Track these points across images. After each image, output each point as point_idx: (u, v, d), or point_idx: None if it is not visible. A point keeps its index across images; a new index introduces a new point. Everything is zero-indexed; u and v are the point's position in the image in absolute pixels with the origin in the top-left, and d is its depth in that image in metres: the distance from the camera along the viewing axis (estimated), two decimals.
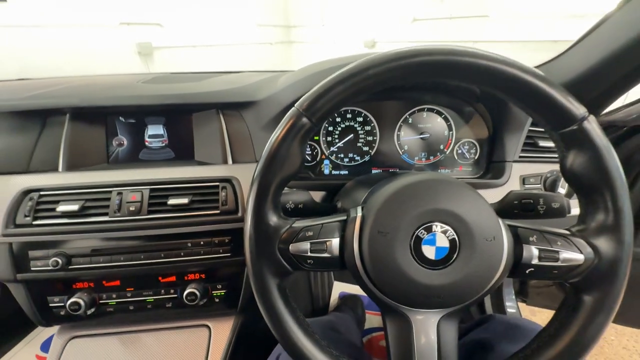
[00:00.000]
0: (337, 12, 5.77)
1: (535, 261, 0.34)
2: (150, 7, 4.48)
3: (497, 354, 0.47)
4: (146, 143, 0.64)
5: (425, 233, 0.34)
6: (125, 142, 0.64)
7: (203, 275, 0.60)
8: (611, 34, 0.54)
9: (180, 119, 0.64)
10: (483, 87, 0.37)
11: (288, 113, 0.36)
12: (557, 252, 0.34)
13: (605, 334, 1.34)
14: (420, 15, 4.77)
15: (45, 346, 1.10)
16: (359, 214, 0.37)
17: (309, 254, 0.36)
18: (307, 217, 0.39)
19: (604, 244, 0.34)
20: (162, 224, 0.56)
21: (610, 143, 0.81)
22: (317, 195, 0.61)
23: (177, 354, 0.60)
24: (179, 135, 0.65)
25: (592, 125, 0.33)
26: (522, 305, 1.20)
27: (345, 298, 1.28)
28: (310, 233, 0.36)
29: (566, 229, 0.36)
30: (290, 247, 0.36)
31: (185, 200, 0.56)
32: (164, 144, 0.65)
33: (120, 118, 0.64)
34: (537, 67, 0.69)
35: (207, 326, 0.63)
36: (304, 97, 0.35)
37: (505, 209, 0.46)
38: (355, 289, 1.32)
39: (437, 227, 0.34)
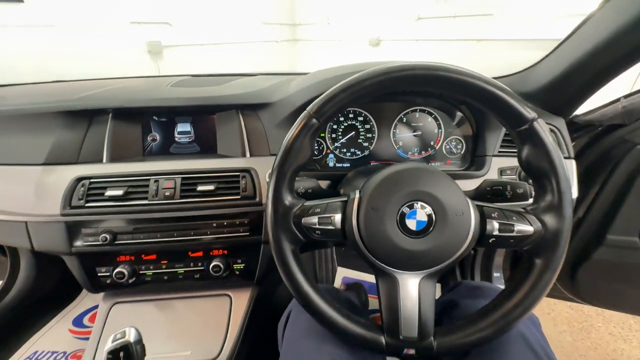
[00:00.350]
0: (343, 11, 5.83)
1: (496, 232, 0.44)
2: (159, 7, 4.59)
3: (461, 310, 0.56)
4: (176, 139, 0.75)
5: (408, 209, 0.43)
6: (158, 138, 0.74)
7: (225, 252, 0.70)
8: (577, 44, 0.63)
9: (205, 118, 0.74)
10: (456, 95, 0.46)
11: (301, 115, 0.45)
12: (513, 225, 0.43)
13: (592, 320, 1.43)
14: (425, 14, 4.82)
15: (78, 321, 1.22)
16: (357, 195, 0.47)
17: (317, 226, 0.46)
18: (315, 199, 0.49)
19: (550, 219, 0.43)
20: (192, 207, 0.66)
21: (589, 140, 0.91)
22: (323, 184, 0.71)
23: (203, 319, 0.71)
24: (204, 132, 0.75)
25: (541, 126, 0.42)
26: None
27: (348, 284, 1.38)
28: (318, 210, 0.46)
29: (522, 208, 0.46)
30: (302, 221, 0.46)
31: (211, 187, 0.66)
32: (191, 140, 0.75)
33: (154, 117, 0.74)
34: (517, 73, 0.78)
35: (229, 295, 0.73)
36: (313, 102, 0.45)
37: (480, 193, 0.55)
38: (358, 275, 1.42)
39: (418, 205, 0.43)
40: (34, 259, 1.24)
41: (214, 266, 0.67)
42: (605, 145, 0.84)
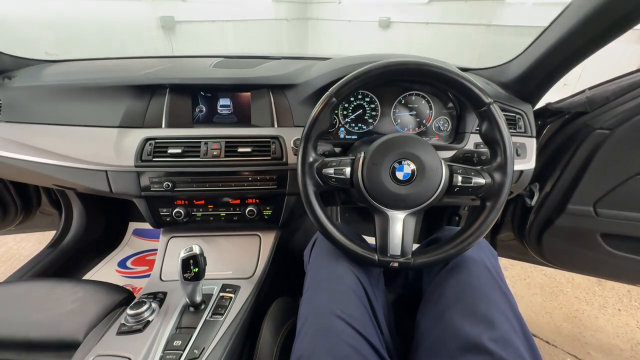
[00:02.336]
0: None
1: (459, 183, 0.62)
2: None
3: (440, 243, 0.76)
4: (218, 111, 0.93)
5: (398, 165, 0.62)
6: (204, 110, 0.93)
7: (258, 200, 0.90)
8: (542, 41, 0.79)
9: (242, 94, 0.92)
10: (437, 84, 0.64)
11: (324, 95, 0.63)
12: (472, 178, 0.62)
13: (562, 286, 1.65)
14: None
15: (122, 264, 1.46)
16: (362, 155, 0.66)
17: (333, 175, 0.65)
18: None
19: (497, 175, 0.62)
20: (233, 163, 0.85)
21: (561, 124, 1.11)
22: (336, 150, 0.90)
23: (239, 250, 0.92)
24: (241, 106, 0.93)
25: (495, 108, 0.60)
26: None
27: None
28: (334, 164, 0.65)
29: (479, 167, 0.64)
30: (322, 170, 0.65)
31: (248, 149, 0.85)
32: (230, 112, 0.93)
33: (201, 92, 0.92)
34: (498, 66, 0.94)
35: (258, 235, 0.94)
36: (334, 86, 0.63)
37: (455, 159, 0.74)
38: None
39: (405, 162, 0.62)
40: (85, 212, 1.47)
41: (249, 211, 0.88)
42: (571, 130, 1.00)
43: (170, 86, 0.89)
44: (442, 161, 0.64)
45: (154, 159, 0.83)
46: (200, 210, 0.90)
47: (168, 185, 0.84)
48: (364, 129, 0.95)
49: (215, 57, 1.09)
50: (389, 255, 0.64)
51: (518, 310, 0.59)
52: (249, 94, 0.92)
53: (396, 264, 0.64)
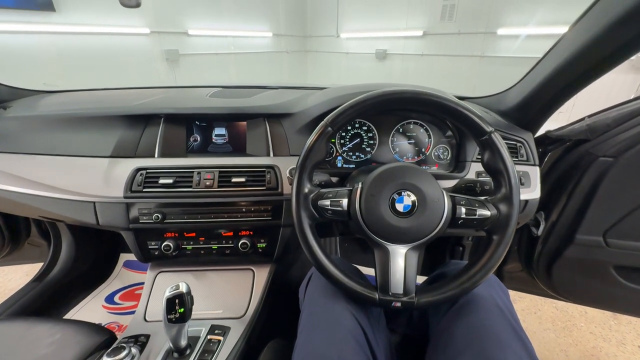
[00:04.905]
0: (351, 24, 6.08)
1: (463, 215, 0.59)
2: (176, 16, 4.85)
3: (445, 280, 0.71)
4: (213, 140, 0.91)
5: (398, 196, 0.59)
6: (199, 139, 0.91)
7: (251, 232, 0.86)
8: (541, 69, 0.79)
9: (237, 123, 0.91)
10: (436, 113, 0.62)
11: (320, 124, 0.61)
12: (476, 210, 0.59)
13: (576, 320, 1.56)
14: (430, 30, 5.04)
15: (110, 298, 1.38)
16: (360, 185, 0.63)
17: (329, 207, 0.61)
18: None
19: (503, 206, 0.58)
20: (226, 194, 0.82)
21: (562, 152, 1.09)
22: (333, 180, 0.87)
23: (231, 286, 0.86)
24: (236, 135, 0.91)
25: (497, 137, 0.58)
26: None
27: None
28: (330, 195, 0.62)
29: (483, 198, 0.61)
30: (318, 203, 0.62)
31: (243, 179, 0.82)
32: (225, 141, 0.91)
33: (196, 122, 0.91)
34: (497, 94, 0.94)
35: (252, 270, 0.89)
36: (329, 115, 0.61)
37: (457, 189, 0.71)
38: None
39: (405, 193, 0.59)
40: (74, 244, 1.41)
41: (242, 243, 0.83)
42: (574, 157, 0.98)
43: (164, 116, 0.88)
44: (444, 192, 0.61)
45: (144, 190, 0.81)
46: (191, 243, 0.85)
47: (158, 217, 0.80)
48: (362, 157, 0.93)
49: (212, 87, 1.09)
50: (390, 293, 0.60)
51: (535, 356, 0.53)
52: (244, 123, 0.91)
53: (399, 304, 0.59)
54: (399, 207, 0.59)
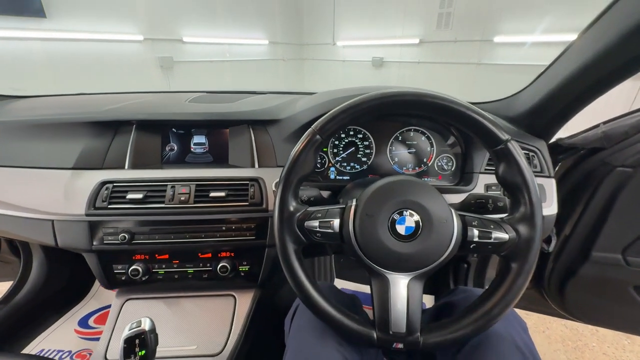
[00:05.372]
0: (348, 32, 6.07)
1: (476, 239, 0.50)
2: (171, 24, 4.81)
3: (455, 312, 0.61)
4: (191, 149, 0.82)
5: (398, 216, 0.50)
6: (175, 148, 0.82)
7: (232, 254, 0.76)
8: (555, 73, 0.71)
9: (219, 131, 0.82)
10: (441, 119, 0.54)
11: (307, 132, 0.52)
12: (491, 232, 0.49)
13: (587, 339, 1.45)
14: (427, 37, 5.03)
15: (84, 322, 1.26)
16: (354, 203, 0.54)
17: (318, 229, 0.52)
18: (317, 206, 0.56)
19: (523, 228, 0.49)
20: (204, 211, 0.72)
21: (573, 162, 0.98)
22: (324, 194, 0.78)
23: (209, 316, 0.76)
24: (217, 144, 0.82)
25: (514, 146, 0.49)
26: None
27: None
28: (319, 215, 0.53)
29: (499, 218, 0.52)
30: (305, 224, 0.52)
31: (222, 194, 0.72)
32: (205, 150, 0.82)
33: (173, 129, 0.82)
34: (504, 99, 0.86)
35: (233, 296, 0.79)
36: (317, 121, 0.52)
37: (465, 206, 0.62)
38: (355, 287, 1.46)
39: (407, 212, 0.50)
40: (46, 261, 1.30)
41: (221, 267, 0.73)
42: (588, 167, 0.90)
43: (137, 122, 0.79)
44: (452, 210, 0.51)
45: (109, 206, 0.71)
46: (163, 266, 0.75)
47: (125, 237, 0.70)
48: (357, 168, 0.84)
49: (194, 93, 1.00)
50: (391, 332, 0.50)
51: None
52: (226, 130, 0.82)
53: (401, 345, 0.50)
54: (400, 229, 0.50)
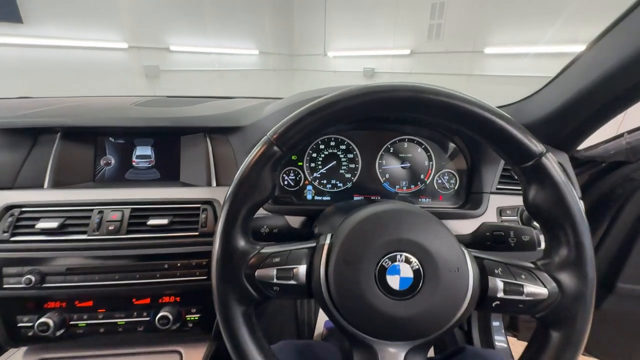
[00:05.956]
0: (339, 43, 6.03)
1: (500, 294, 0.34)
2: (158, 32, 4.70)
3: None
4: (133, 163, 0.66)
5: (390, 262, 0.34)
6: (113, 162, 0.66)
7: (178, 298, 0.59)
8: (580, 73, 0.58)
9: (168, 141, 0.66)
10: (447, 123, 0.39)
11: (260, 141, 0.37)
12: (522, 285, 0.34)
13: None
14: (418, 48, 5.00)
15: None
16: (327, 241, 0.38)
17: (275, 280, 0.36)
18: (282, 242, 0.40)
19: (567, 279, 0.34)
20: (139, 244, 0.56)
21: (591, 177, 0.82)
22: (297, 221, 0.62)
23: None
24: (166, 157, 0.66)
25: (550, 162, 0.34)
26: (512, 339, 1.16)
27: (331, 329, 1.24)
28: (278, 259, 0.37)
29: (531, 262, 0.37)
30: (256, 274, 0.36)
31: (164, 221, 0.56)
32: (150, 165, 0.66)
33: (110, 138, 0.65)
34: (513, 103, 0.72)
35: (179, 352, 0.61)
36: (275, 126, 0.37)
37: (478, 240, 0.47)
38: None
39: (401, 257, 0.34)
40: None
41: (162, 317, 0.56)
42: (610, 183, 0.77)
43: (62, 130, 0.63)
44: (466, 252, 0.36)
45: (13, 238, 0.54)
46: (85, 317, 0.57)
47: (31, 279, 0.53)
48: (340, 187, 0.68)
49: (150, 97, 0.85)
50: None
51: None
52: (178, 139, 0.66)
53: None
54: (393, 281, 0.34)
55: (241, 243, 0.37)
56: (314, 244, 0.39)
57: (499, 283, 0.34)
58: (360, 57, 5.80)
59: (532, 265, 0.36)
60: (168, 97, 0.89)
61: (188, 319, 0.59)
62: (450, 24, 4.58)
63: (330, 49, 6.22)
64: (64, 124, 0.62)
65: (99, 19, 4.01)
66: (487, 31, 4.24)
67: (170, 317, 0.56)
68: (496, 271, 0.35)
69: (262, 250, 0.38)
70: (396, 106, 0.36)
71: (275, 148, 0.37)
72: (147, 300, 0.58)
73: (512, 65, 4.10)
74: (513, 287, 0.34)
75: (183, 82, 5.19)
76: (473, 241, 0.47)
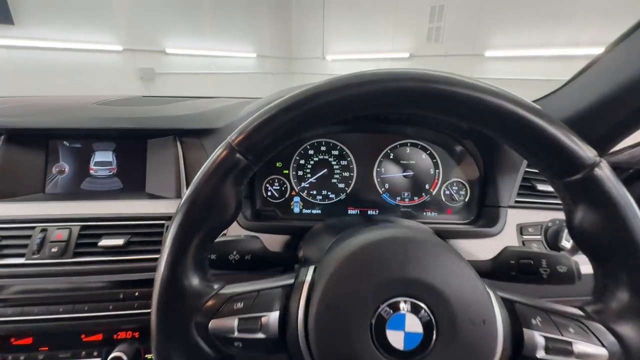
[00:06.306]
0: (337, 47, 5.98)
1: (541, 354, 0.25)
2: (153, 34, 4.64)
3: None
4: (91, 171, 0.56)
5: (391, 312, 0.25)
6: (67, 170, 0.56)
7: (136, 334, 0.49)
8: (614, 69, 0.49)
9: (133, 145, 0.57)
10: (466, 123, 0.30)
11: (220, 145, 0.28)
12: (571, 343, 0.25)
13: None
14: (417, 52, 4.94)
15: None
16: (308, 277, 0.29)
17: (237, 334, 0.26)
18: (256, 271, 0.31)
19: (631, 332, 0.25)
20: (89, 269, 0.46)
21: None
22: (278, 242, 0.52)
23: None
24: (130, 164, 0.57)
25: (606, 173, 0.25)
26: None
27: None
28: (241, 304, 0.27)
29: (579, 307, 0.27)
30: (210, 324, 0.27)
31: (119, 242, 0.47)
32: (111, 173, 0.57)
33: (64, 142, 0.56)
34: (541, 98, 0.63)
35: None
36: (238, 128, 0.28)
37: (500, 269, 0.37)
38: None
39: (406, 305, 0.25)
40: None
41: (115, 358, 0.46)
42: (637, 193, 0.68)
43: (7, 132, 0.54)
44: (492, 294, 0.27)
45: None
46: (22, 358, 0.47)
47: None
48: (332, 198, 0.59)
49: (121, 97, 0.76)
50: None
51: None
52: (145, 144, 0.57)
53: None
54: (395, 338, 0.25)
55: (192, 282, 0.28)
56: (290, 281, 0.29)
57: (538, 338, 0.25)
58: (359, 61, 5.74)
59: (581, 313, 0.27)
60: (144, 97, 0.80)
61: (149, 358, 0.49)
62: (449, 26, 4.53)
63: (328, 52, 6.17)
64: (7, 124, 0.53)
65: (93, 21, 3.94)
66: (487, 34, 4.18)
67: (125, 358, 0.46)
68: (534, 321, 0.26)
69: (222, 291, 0.28)
70: (397, 100, 0.27)
71: (238, 156, 0.27)
72: (99, 337, 0.48)
73: (513, 68, 4.04)
74: (558, 344, 0.25)
75: (179, 85, 5.11)
76: (494, 270, 0.37)
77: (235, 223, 0.51)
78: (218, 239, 0.34)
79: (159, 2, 4.66)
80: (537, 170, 0.53)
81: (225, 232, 0.51)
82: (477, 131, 0.52)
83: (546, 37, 3.62)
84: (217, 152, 0.28)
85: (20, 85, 3.53)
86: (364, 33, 5.45)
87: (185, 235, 0.27)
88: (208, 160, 0.28)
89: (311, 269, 0.30)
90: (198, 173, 0.28)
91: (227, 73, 5.76)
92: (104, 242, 0.47)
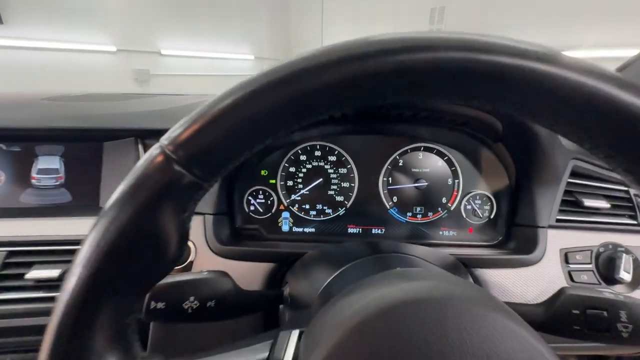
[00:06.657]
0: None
1: None
2: (148, 35, 4.56)
3: None
4: (33, 180, 0.46)
5: None
6: (4, 178, 0.46)
7: None
8: None
9: (85, 149, 0.47)
10: (533, 119, 0.20)
11: (145, 154, 0.18)
12: None
13: None
14: None
15: None
16: (289, 353, 0.18)
17: None
18: (225, 319, 0.21)
19: None
20: (13, 309, 0.36)
21: None
22: (262, 270, 0.42)
23: None
24: (81, 172, 0.47)
25: None
26: None
27: None
28: None
29: None
30: None
31: (54, 274, 0.36)
32: (58, 182, 0.46)
33: (1, 145, 0.46)
34: None
35: None
36: (175, 125, 0.17)
37: (559, 320, 0.27)
38: None
39: None
40: None
41: None
42: None
43: None
44: None
45: None
46: None
47: None
48: (329, 214, 0.49)
49: (80, 94, 0.65)
50: None
51: None
52: (100, 147, 0.47)
53: None
54: None
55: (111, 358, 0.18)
56: (264, 355, 0.19)
57: None
58: None
59: None
60: (110, 94, 0.69)
61: None
62: (450, 28, 4.47)
63: None
64: None
65: (86, 21, 3.86)
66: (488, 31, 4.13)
67: None
68: None
69: None
70: (429, 84, 0.16)
71: (178, 169, 0.17)
72: None
73: None
74: None
75: (175, 87, 5.02)
76: (549, 322, 0.27)
77: (206, 248, 0.41)
78: (166, 280, 0.24)
79: (154, 1, 4.58)
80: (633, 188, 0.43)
81: (190, 259, 0.40)
82: (515, 131, 0.41)
83: (549, 39, 3.56)
84: (144, 162, 0.17)
85: (10, 86, 3.42)
86: (364, 34, 5.40)
87: (91, 299, 0.17)
88: (130, 174, 0.18)
89: (294, 336, 0.20)
90: (113, 195, 0.18)
91: (224, 75, 5.67)
92: (34, 273, 0.36)
